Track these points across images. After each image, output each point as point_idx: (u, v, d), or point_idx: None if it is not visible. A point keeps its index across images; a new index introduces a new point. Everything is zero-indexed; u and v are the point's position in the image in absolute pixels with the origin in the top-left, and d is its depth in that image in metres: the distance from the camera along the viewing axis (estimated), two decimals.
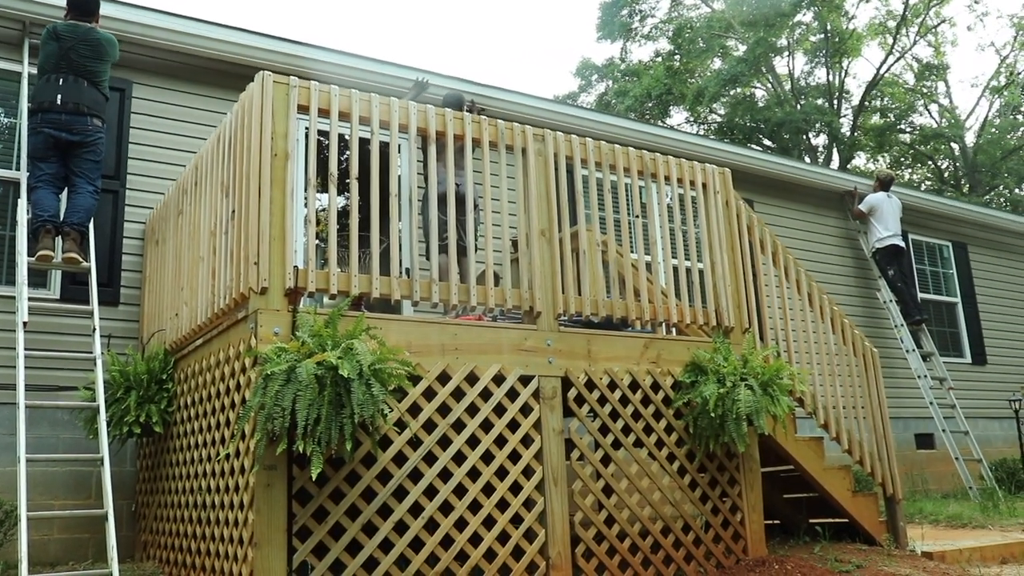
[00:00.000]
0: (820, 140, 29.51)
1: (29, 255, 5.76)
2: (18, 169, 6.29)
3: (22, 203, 5.99)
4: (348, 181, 4.73)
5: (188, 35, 7.11)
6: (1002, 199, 30.58)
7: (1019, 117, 29.98)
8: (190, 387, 5.31)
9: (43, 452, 5.88)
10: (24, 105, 6.38)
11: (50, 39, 6.01)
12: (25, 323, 5.49)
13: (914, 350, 10.92)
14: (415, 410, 4.58)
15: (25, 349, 5.44)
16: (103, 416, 5.35)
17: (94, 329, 5.73)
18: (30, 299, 5.73)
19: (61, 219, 5.91)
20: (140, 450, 6.27)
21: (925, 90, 30.52)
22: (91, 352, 5.69)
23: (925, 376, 10.76)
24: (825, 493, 6.36)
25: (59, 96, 5.92)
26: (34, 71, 6.21)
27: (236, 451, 4.33)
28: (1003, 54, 30.04)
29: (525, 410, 4.95)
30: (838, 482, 6.40)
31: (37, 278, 6.27)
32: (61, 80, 5.95)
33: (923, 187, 30.29)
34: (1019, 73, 29.48)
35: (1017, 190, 30.63)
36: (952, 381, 11.20)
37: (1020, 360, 13.18)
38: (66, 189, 6.06)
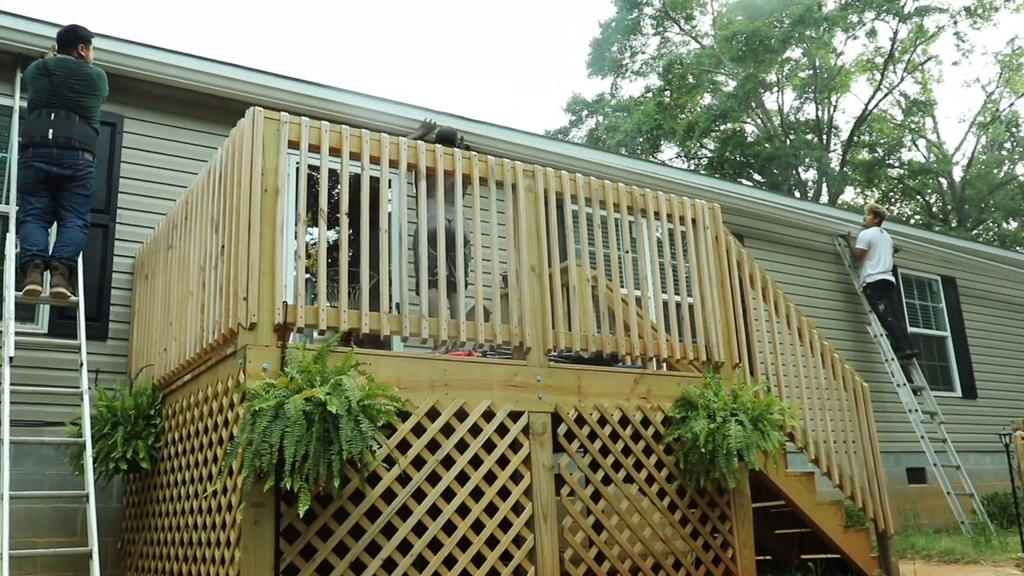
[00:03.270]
0: (810, 175, 29.75)
1: (17, 289, 5.74)
2: (7, 203, 6.28)
3: (10, 237, 5.98)
4: (338, 216, 4.74)
5: (180, 69, 7.14)
6: (990, 233, 30.80)
7: (1006, 152, 30.28)
8: (178, 423, 5.27)
9: (28, 488, 5.81)
10: (15, 139, 6.39)
11: (41, 74, 6.02)
12: (11, 358, 5.47)
13: (905, 384, 10.92)
14: (404, 446, 4.55)
15: (11, 384, 5.41)
16: (89, 452, 5.30)
17: (81, 364, 5.70)
18: (17, 333, 5.70)
19: (50, 253, 5.89)
20: (127, 487, 6.21)
21: (913, 125, 30.84)
22: (78, 387, 5.65)
23: (916, 410, 10.74)
24: (817, 529, 6.32)
25: (50, 131, 5.92)
26: (25, 105, 6.22)
27: (223, 488, 4.29)
28: (988, 90, 30.38)
29: (515, 446, 4.93)
30: (830, 517, 6.36)
31: (25, 312, 6.22)
32: (52, 115, 5.96)
33: (912, 221, 30.47)
34: (1003, 110, 29.81)
35: (1005, 224, 30.87)
36: (943, 415, 11.18)
37: (1010, 393, 13.17)
38: (55, 223, 6.05)
